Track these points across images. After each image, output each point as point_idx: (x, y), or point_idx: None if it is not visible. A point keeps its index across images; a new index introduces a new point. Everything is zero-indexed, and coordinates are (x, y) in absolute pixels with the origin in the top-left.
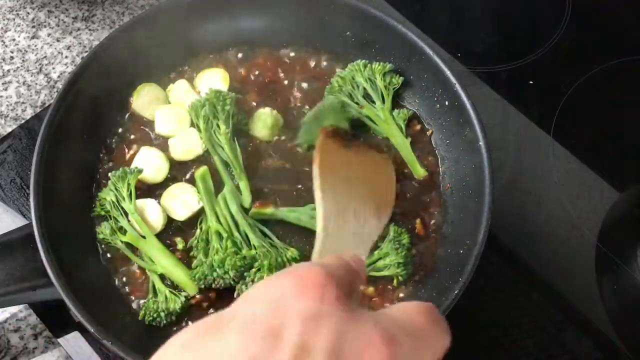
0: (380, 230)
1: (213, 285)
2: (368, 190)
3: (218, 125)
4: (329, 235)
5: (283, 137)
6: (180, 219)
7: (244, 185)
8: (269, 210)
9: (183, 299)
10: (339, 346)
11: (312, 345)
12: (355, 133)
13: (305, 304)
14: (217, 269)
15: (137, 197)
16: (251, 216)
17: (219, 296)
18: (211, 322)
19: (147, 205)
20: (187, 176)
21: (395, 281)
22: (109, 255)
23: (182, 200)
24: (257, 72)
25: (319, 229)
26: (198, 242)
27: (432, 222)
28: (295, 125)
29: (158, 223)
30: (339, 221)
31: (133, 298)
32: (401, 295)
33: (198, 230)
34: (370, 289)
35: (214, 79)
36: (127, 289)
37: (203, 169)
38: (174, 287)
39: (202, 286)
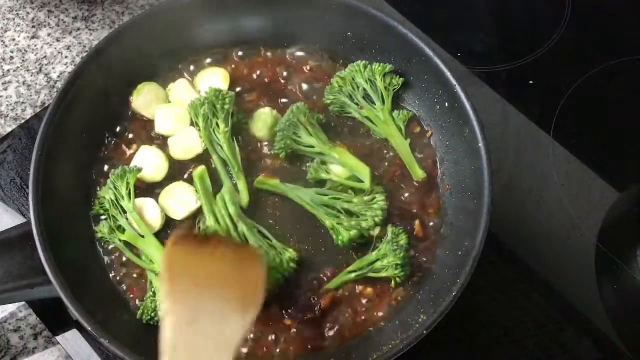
0: (247, 326)
1: None
2: (231, 285)
3: (217, 124)
4: (177, 349)
5: None
6: (178, 218)
7: (242, 184)
8: (274, 182)
9: None
10: None
11: None
12: (209, 235)
13: None
14: None
15: (137, 196)
16: (256, 186)
17: None
18: None
19: (146, 204)
20: (187, 176)
21: (393, 283)
22: (107, 254)
23: (181, 200)
24: (257, 73)
25: (164, 344)
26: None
27: (431, 223)
28: None
29: (157, 222)
30: (190, 330)
31: (131, 297)
32: (399, 297)
33: (196, 230)
34: (369, 290)
35: (214, 78)
36: (125, 288)
37: (201, 168)
38: None
39: None
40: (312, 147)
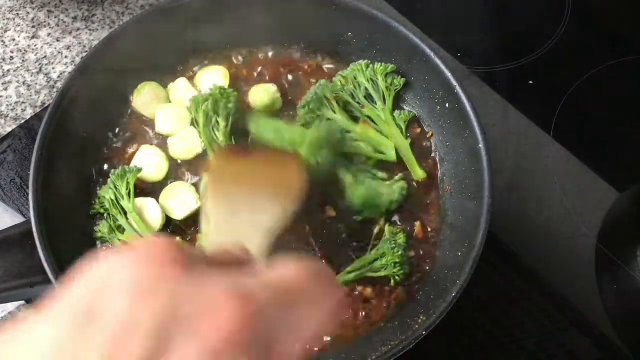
0: (282, 217)
1: None
2: (269, 183)
3: (217, 122)
4: (219, 229)
5: None
6: (178, 218)
7: None
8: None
9: None
10: (171, 315)
11: (138, 321)
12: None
13: (136, 272)
14: None
15: (137, 195)
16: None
17: None
18: (33, 311)
19: (146, 204)
20: (187, 175)
21: (392, 282)
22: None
23: (181, 200)
24: (258, 73)
25: (211, 225)
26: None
27: (431, 223)
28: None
29: (157, 222)
30: (228, 215)
31: None
32: (398, 297)
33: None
34: (368, 290)
35: (214, 77)
36: None
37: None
38: None
39: None
40: (335, 123)
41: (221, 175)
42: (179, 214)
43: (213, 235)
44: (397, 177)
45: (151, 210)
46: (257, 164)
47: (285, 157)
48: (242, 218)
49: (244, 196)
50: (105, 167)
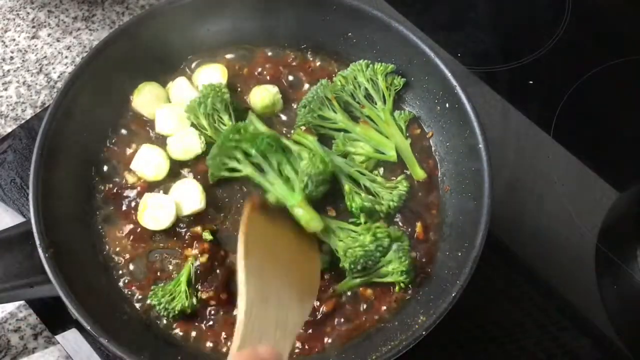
0: (303, 319)
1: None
2: (293, 274)
3: (221, 117)
4: (251, 323)
5: (284, 130)
6: (184, 214)
7: None
8: (312, 138)
9: (193, 301)
10: None
11: None
12: (280, 208)
13: None
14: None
15: (139, 194)
16: (293, 138)
17: (229, 300)
18: None
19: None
20: (187, 174)
21: (397, 287)
22: (107, 253)
23: (188, 196)
24: (258, 72)
25: (240, 314)
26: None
27: (431, 224)
28: (295, 124)
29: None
30: (262, 308)
31: (131, 296)
32: (399, 298)
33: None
34: (369, 291)
35: (212, 74)
36: (125, 287)
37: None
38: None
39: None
40: (335, 122)
41: (254, 237)
42: (184, 210)
43: (241, 315)
44: (399, 178)
45: (166, 206)
46: (281, 240)
47: (306, 240)
48: (270, 310)
49: (273, 281)
50: (105, 167)
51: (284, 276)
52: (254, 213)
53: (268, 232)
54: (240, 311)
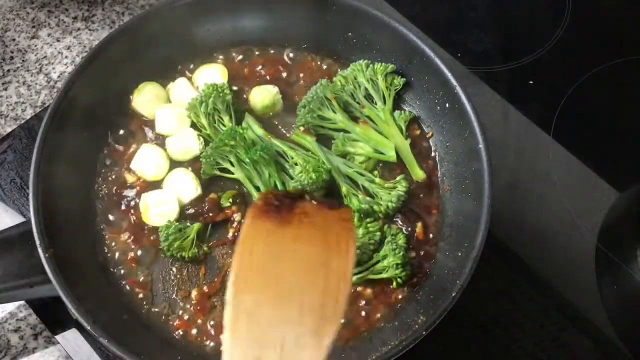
0: (326, 351)
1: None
2: (307, 295)
3: (221, 118)
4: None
5: (283, 130)
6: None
7: None
8: (310, 139)
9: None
10: None
11: None
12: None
13: None
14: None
15: (138, 193)
16: (292, 138)
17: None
18: None
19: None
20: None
21: (394, 283)
22: (107, 252)
23: (183, 186)
24: (258, 72)
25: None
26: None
27: (431, 224)
28: (294, 124)
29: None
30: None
31: (131, 296)
32: (399, 298)
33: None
34: (369, 291)
35: (212, 74)
36: (125, 287)
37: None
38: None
39: None
40: (335, 123)
41: (255, 253)
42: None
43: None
44: (398, 178)
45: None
46: (293, 244)
47: (335, 223)
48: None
49: (277, 316)
50: (105, 167)
51: (291, 305)
52: (254, 223)
53: (274, 242)
54: None
